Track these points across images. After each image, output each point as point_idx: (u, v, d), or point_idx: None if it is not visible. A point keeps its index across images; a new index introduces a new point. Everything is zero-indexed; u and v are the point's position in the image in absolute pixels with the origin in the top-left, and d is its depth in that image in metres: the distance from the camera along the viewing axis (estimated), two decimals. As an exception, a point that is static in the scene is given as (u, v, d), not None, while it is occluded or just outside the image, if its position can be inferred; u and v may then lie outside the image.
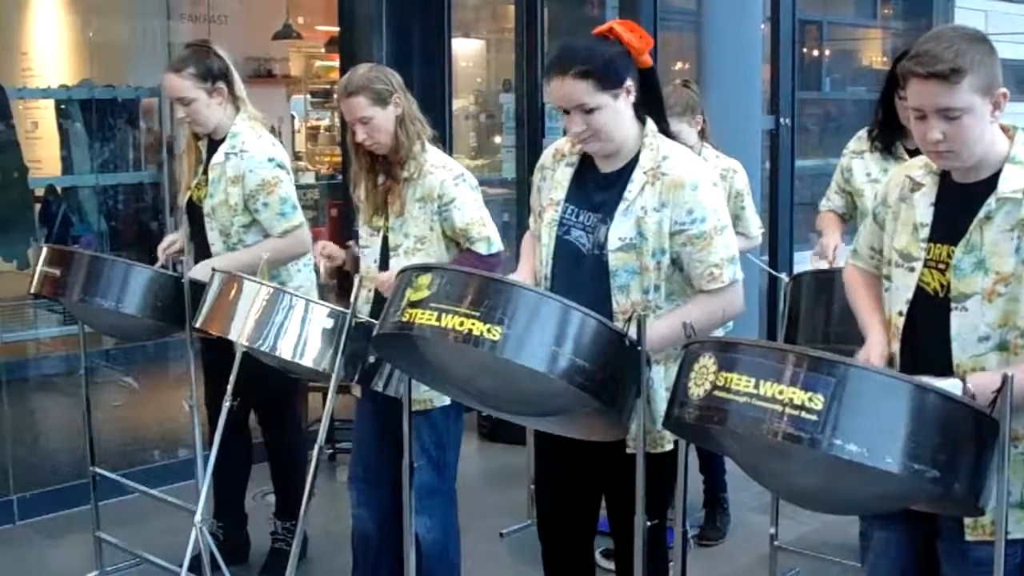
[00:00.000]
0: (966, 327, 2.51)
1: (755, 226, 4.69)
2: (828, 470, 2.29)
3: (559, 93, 2.93)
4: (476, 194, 3.64)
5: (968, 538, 2.56)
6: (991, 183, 2.52)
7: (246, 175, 4.03)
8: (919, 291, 2.59)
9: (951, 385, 2.34)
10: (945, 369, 2.50)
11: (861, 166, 4.16)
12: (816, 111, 13.89)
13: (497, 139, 8.35)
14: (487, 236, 3.61)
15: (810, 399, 2.11)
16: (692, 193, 2.94)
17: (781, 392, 2.13)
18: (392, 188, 3.62)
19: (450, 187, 3.58)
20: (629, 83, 2.96)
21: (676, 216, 2.94)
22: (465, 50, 9.22)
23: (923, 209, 2.62)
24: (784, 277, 4.30)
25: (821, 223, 4.29)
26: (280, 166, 4.09)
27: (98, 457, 4.27)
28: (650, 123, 3.05)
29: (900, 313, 2.63)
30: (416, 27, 6.49)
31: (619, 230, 2.96)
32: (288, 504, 4.42)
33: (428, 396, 3.55)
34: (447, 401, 3.55)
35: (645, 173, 2.97)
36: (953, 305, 2.53)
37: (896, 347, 2.63)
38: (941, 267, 2.56)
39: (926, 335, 2.58)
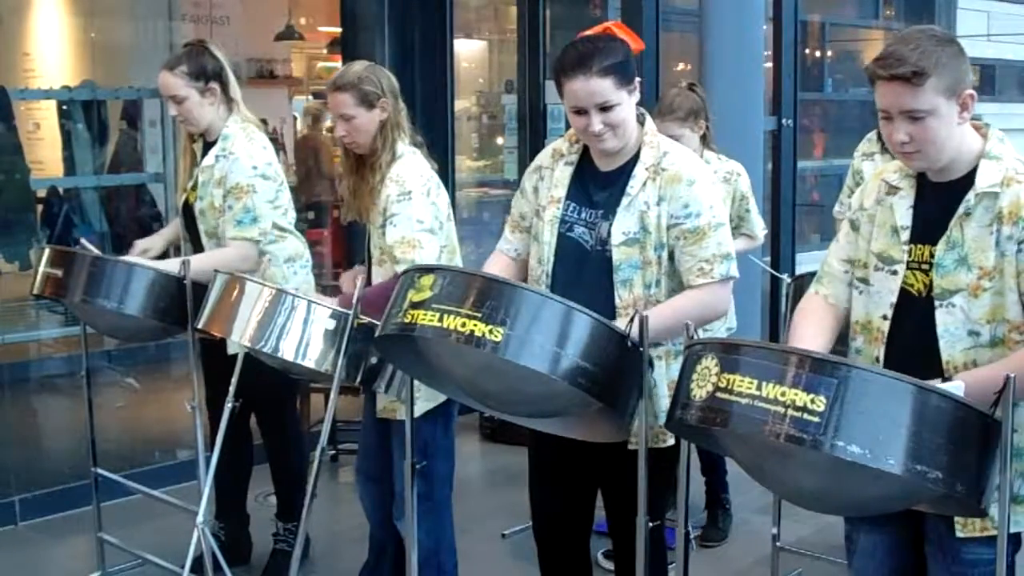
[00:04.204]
0: (953, 324, 2.52)
1: (759, 227, 4.69)
2: (830, 471, 2.29)
3: (584, 91, 2.93)
4: (422, 212, 3.49)
5: (959, 535, 2.57)
6: (967, 180, 2.53)
7: (227, 177, 4.01)
8: (902, 293, 2.60)
9: (953, 386, 2.34)
10: (933, 368, 2.50)
11: (871, 168, 4.16)
12: (818, 112, 13.91)
13: (499, 140, 8.35)
14: (411, 260, 3.39)
15: (812, 401, 2.11)
16: (688, 188, 2.98)
17: (783, 394, 2.13)
18: (373, 190, 3.60)
19: (393, 202, 3.51)
20: (639, 79, 3.02)
21: (672, 210, 2.98)
22: (467, 51, 9.22)
23: (902, 212, 2.62)
24: (786, 278, 4.30)
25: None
26: (263, 176, 4.04)
27: (100, 458, 4.27)
28: (649, 122, 3.10)
29: (884, 317, 2.62)
30: (418, 28, 6.50)
31: (622, 224, 2.99)
32: (289, 505, 4.42)
33: (393, 406, 3.57)
34: (427, 407, 3.52)
35: (647, 169, 3.01)
36: (937, 303, 2.54)
37: (881, 351, 2.63)
38: (924, 267, 2.56)
39: (911, 336, 2.58)
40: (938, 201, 2.57)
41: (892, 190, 2.66)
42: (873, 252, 2.67)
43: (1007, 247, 2.48)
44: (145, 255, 4.22)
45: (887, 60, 2.45)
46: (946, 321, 2.53)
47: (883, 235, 2.65)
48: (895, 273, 2.61)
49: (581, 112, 2.96)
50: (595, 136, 2.98)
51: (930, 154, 2.51)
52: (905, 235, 2.60)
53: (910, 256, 2.59)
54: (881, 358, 2.61)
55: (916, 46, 2.44)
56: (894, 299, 2.61)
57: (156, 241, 4.35)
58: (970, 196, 2.51)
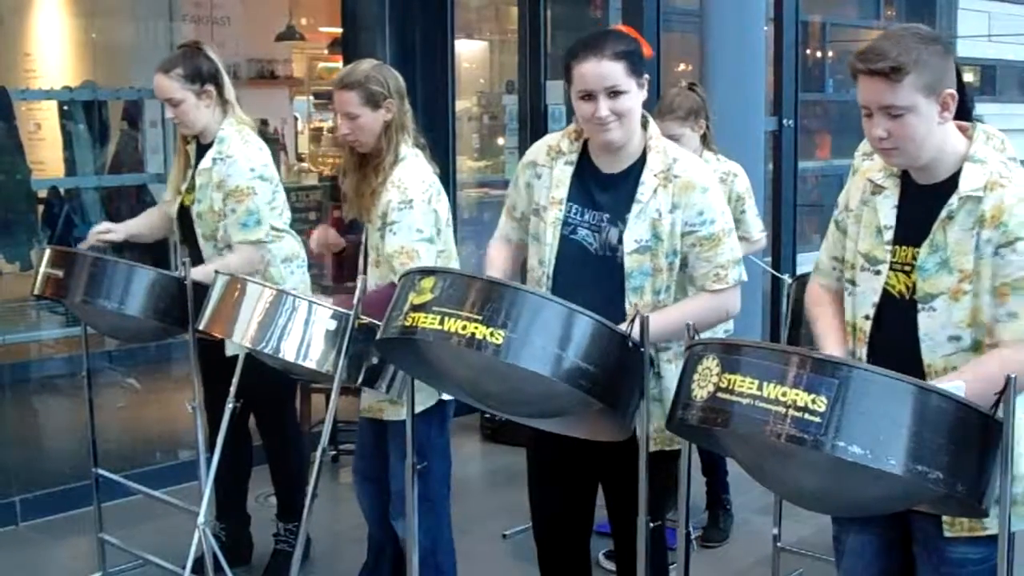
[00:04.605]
0: (934, 328, 2.53)
1: (757, 229, 4.67)
2: (831, 471, 2.29)
3: (595, 73, 2.91)
4: (422, 221, 3.47)
5: (947, 534, 2.58)
6: (952, 183, 2.53)
7: (226, 180, 4.00)
8: (884, 294, 2.60)
9: (954, 387, 2.34)
10: (914, 371, 2.49)
11: (875, 167, 4.16)
12: (819, 112, 13.91)
13: (500, 140, 8.35)
14: None
15: (813, 401, 2.11)
16: (702, 195, 2.99)
17: (784, 394, 2.13)
18: (375, 192, 3.59)
19: (394, 209, 3.48)
20: (647, 77, 3.02)
21: (687, 217, 2.98)
22: (468, 51, 9.22)
23: (886, 212, 2.62)
24: (787, 278, 4.30)
25: None
26: (261, 177, 4.04)
27: (101, 458, 4.27)
28: (652, 126, 3.08)
29: (867, 317, 2.63)
30: (419, 28, 6.50)
31: (634, 232, 2.98)
32: (289, 505, 4.42)
33: (380, 406, 3.58)
34: (422, 407, 3.50)
35: (656, 175, 3.00)
36: (920, 306, 2.54)
37: (863, 351, 2.64)
38: (907, 269, 2.57)
39: (893, 338, 2.59)
40: (922, 203, 2.57)
41: (877, 189, 2.66)
42: (860, 253, 2.67)
43: (985, 250, 2.48)
44: (107, 235, 4.18)
45: (867, 55, 2.46)
46: (927, 325, 2.53)
47: (868, 235, 2.65)
48: (879, 273, 2.61)
49: (589, 97, 2.94)
50: (600, 124, 2.95)
51: (909, 151, 2.51)
52: (888, 235, 2.61)
53: (894, 257, 2.59)
54: (863, 358, 2.62)
55: (898, 42, 2.45)
56: (876, 299, 2.61)
57: (119, 226, 4.29)
58: (953, 200, 2.51)
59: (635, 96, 2.97)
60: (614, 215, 3.01)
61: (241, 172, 4.01)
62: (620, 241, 2.99)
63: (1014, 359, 2.39)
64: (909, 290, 2.56)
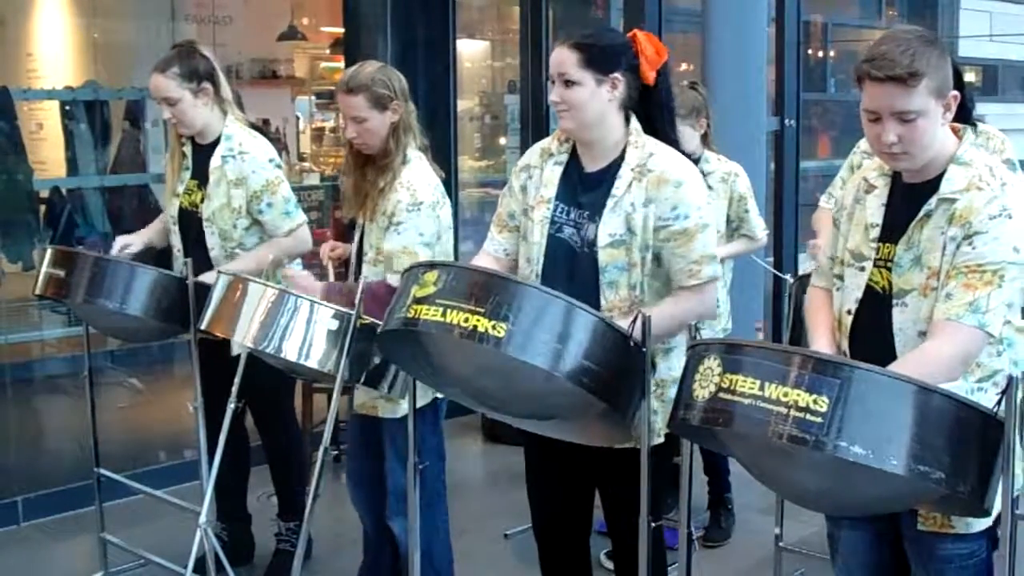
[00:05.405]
0: (906, 323, 2.57)
1: (759, 228, 4.68)
2: (833, 471, 2.29)
3: (554, 59, 3.01)
4: (426, 225, 3.52)
5: (920, 528, 2.61)
6: (936, 183, 2.57)
7: (249, 177, 4.02)
8: (867, 289, 2.64)
9: (956, 386, 2.34)
10: (889, 364, 2.52)
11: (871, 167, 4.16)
12: (821, 112, 13.92)
13: (502, 140, 8.36)
14: None
15: (815, 401, 2.11)
16: (675, 190, 2.97)
17: (786, 394, 2.13)
18: (383, 191, 3.60)
19: (402, 210, 3.51)
20: (617, 76, 3.01)
21: (660, 212, 2.97)
22: (470, 51, 9.22)
23: (874, 209, 2.67)
24: (789, 278, 4.29)
25: (818, 222, 4.25)
26: (278, 166, 4.12)
27: (102, 458, 4.28)
28: (634, 122, 3.08)
29: (849, 312, 2.68)
30: (421, 28, 6.50)
31: (608, 226, 2.99)
32: (290, 504, 4.43)
33: (374, 403, 3.58)
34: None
35: (632, 170, 3.01)
36: (895, 301, 2.59)
37: (845, 345, 2.68)
38: (889, 266, 2.61)
39: (873, 332, 2.63)
40: (907, 202, 2.62)
41: (870, 188, 2.71)
42: (848, 249, 2.72)
43: (949, 247, 2.51)
44: (124, 252, 4.17)
45: (880, 61, 2.47)
46: (900, 319, 2.58)
47: (858, 233, 2.70)
48: (863, 269, 2.66)
49: (553, 82, 3.03)
50: (555, 107, 3.03)
51: (916, 155, 2.55)
52: (874, 232, 2.66)
53: (877, 254, 2.64)
54: (846, 351, 2.67)
55: (907, 47, 2.47)
56: (859, 294, 2.66)
57: (136, 239, 4.28)
58: (932, 200, 2.55)
59: (589, 91, 2.98)
60: (593, 212, 3.03)
61: (263, 165, 4.04)
62: (596, 236, 3.00)
63: (934, 355, 2.45)
64: (890, 286, 2.60)
